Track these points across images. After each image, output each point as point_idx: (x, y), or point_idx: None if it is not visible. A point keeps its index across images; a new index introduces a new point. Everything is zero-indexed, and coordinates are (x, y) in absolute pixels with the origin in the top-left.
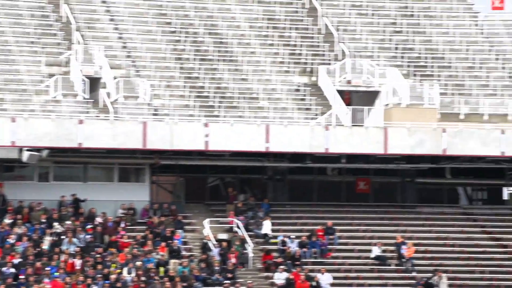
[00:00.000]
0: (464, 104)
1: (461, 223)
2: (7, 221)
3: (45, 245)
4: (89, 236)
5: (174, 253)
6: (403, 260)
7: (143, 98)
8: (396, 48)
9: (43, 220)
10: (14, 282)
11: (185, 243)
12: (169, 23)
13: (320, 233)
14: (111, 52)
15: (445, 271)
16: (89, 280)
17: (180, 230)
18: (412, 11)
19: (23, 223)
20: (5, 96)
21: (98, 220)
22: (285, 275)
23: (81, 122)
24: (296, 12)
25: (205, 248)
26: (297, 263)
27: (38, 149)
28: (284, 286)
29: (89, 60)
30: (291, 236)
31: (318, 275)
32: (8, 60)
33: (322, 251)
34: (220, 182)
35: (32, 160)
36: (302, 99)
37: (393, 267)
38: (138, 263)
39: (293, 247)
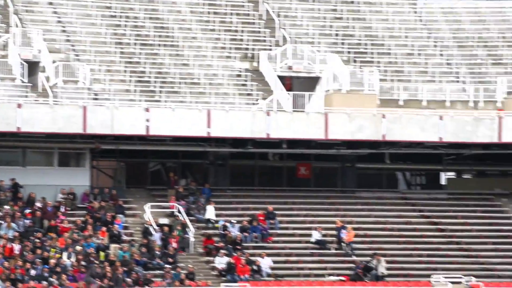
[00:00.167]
0: (403, 90)
1: (399, 207)
2: None
3: None
4: (28, 221)
5: (115, 238)
6: (343, 244)
7: (83, 83)
8: (337, 35)
9: None
10: None
11: (125, 227)
12: (109, 7)
13: (261, 218)
14: (50, 36)
15: (384, 255)
16: (28, 265)
17: (120, 215)
18: None
19: None
20: None
21: (38, 205)
22: (226, 259)
23: (19, 106)
24: None
25: (146, 232)
26: (238, 247)
27: None
28: (225, 270)
29: (27, 44)
30: (232, 221)
31: (259, 259)
32: None
33: (263, 235)
34: (161, 167)
35: None
36: (244, 85)
37: (333, 251)
38: (78, 248)
39: (234, 231)
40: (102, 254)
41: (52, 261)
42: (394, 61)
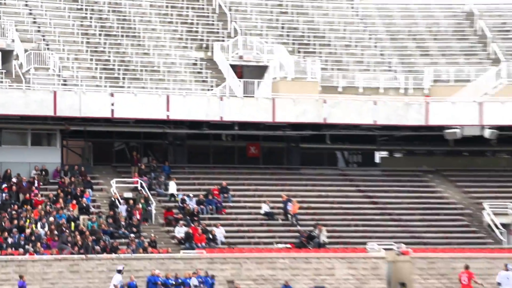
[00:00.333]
0: (342, 78)
1: (339, 183)
2: None
3: None
4: (5, 194)
5: (84, 210)
6: (289, 215)
7: (53, 70)
8: (283, 28)
9: None
10: None
11: (93, 201)
12: (77, 1)
13: (216, 192)
14: (22, 27)
15: (325, 225)
16: (5, 234)
17: (89, 189)
18: None
19: None
20: None
21: (14, 180)
22: (184, 229)
23: None
24: None
25: (112, 205)
26: (195, 218)
27: None
28: (184, 239)
29: (1, 34)
30: (190, 195)
31: (214, 229)
32: None
33: (217, 208)
34: (125, 147)
35: None
36: (199, 72)
37: (280, 221)
38: (51, 219)
39: (191, 204)
40: (72, 224)
41: (28, 231)
42: (333, 52)
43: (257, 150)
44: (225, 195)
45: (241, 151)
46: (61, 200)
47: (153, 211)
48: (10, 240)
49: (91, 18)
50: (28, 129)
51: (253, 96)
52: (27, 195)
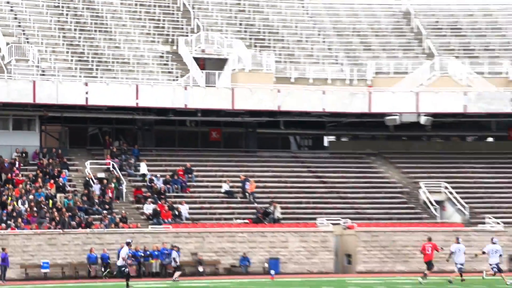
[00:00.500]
0: (294, 70)
1: (291, 164)
2: None
3: None
4: None
5: (61, 189)
6: (247, 193)
7: (32, 61)
8: (240, 24)
9: None
10: None
11: (69, 180)
12: None
13: (181, 173)
14: (4, 22)
15: (279, 202)
16: None
17: (65, 170)
18: None
19: None
20: None
21: None
22: (152, 206)
23: None
24: None
25: (87, 184)
26: (162, 196)
27: None
28: (152, 215)
29: None
30: (157, 175)
31: (179, 206)
32: None
33: (182, 187)
34: (99, 131)
35: None
36: (165, 64)
37: (239, 199)
38: (31, 197)
39: (159, 184)
40: (50, 202)
41: (9, 207)
42: (286, 46)
43: (218, 135)
44: (189, 175)
45: (204, 136)
46: (40, 180)
47: (124, 190)
48: None
49: (67, 14)
50: (9, 115)
51: (214, 86)
52: (9, 175)
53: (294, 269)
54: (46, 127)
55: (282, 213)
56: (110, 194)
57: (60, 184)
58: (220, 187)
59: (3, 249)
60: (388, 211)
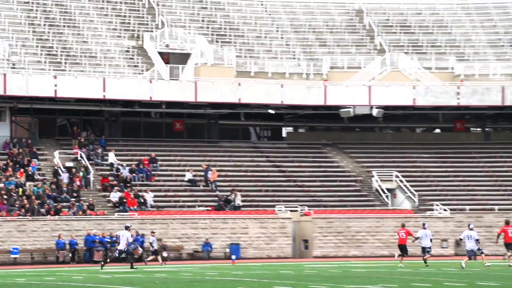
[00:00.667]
0: (254, 64)
1: (251, 154)
2: None
3: None
4: None
5: (30, 177)
6: (209, 182)
7: (3, 55)
8: (203, 21)
9: None
10: None
11: (39, 169)
12: None
13: (146, 162)
14: None
15: (240, 190)
16: None
17: (35, 159)
18: None
19: None
20: None
21: None
22: (118, 194)
23: None
24: None
25: (55, 173)
26: (128, 185)
27: None
28: (118, 202)
29: None
30: (123, 164)
31: (145, 194)
32: None
33: (147, 175)
34: (67, 122)
35: None
36: (131, 58)
37: (201, 187)
38: (1, 185)
39: (125, 172)
40: (20, 190)
41: None
42: (247, 42)
43: (182, 126)
44: (154, 164)
45: (168, 127)
46: (10, 169)
47: (91, 179)
48: None
49: (36, 10)
50: None
51: (178, 80)
52: None
53: (254, 254)
54: (16, 118)
55: (242, 201)
56: (78, 183)
57: (30, 172)
58: (184, 176)
59: None
60: (342, 199)
